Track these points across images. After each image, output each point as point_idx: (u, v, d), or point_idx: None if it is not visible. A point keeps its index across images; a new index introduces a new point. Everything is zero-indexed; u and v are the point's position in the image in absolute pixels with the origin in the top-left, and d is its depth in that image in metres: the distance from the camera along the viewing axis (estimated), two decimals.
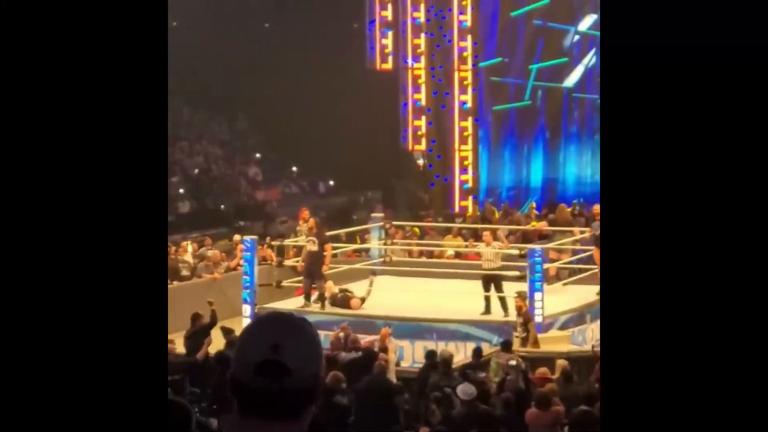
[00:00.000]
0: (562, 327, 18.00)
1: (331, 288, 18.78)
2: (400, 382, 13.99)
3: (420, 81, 29.69)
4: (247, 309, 18.51)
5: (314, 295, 18.51)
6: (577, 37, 29.32)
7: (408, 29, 29.51)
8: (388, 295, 19.25)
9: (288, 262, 20.12)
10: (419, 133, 29.74)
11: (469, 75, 29.44)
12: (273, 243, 21.42)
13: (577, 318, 18.30)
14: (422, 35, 29.53)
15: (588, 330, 17.92)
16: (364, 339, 16.09)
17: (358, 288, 19.24)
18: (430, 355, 14.93)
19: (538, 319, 17.42)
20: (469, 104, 29.50)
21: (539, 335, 17.17)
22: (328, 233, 19.76)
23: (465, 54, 29.41)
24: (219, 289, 19.33)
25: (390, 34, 29.65)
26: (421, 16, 29.47)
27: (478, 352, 15.44)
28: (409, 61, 29.60)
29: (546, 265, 18.56)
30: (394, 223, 23.25)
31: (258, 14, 32.49)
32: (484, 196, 29.32)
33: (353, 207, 30.50)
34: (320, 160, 30.75)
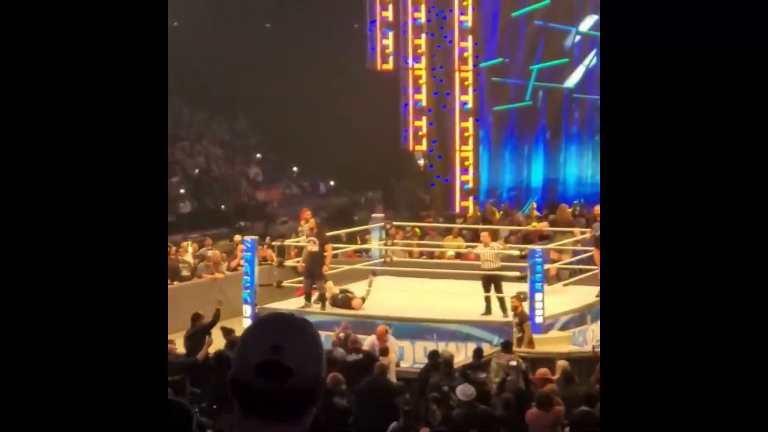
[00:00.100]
0: (563, 328, 18.01)
1: (332, 288, 18.77)
2: (401, 383, 13.99)
3: (421, 81, 29.69)
4: (247, 309, 18.51)
5: (315, 296, 18.51)
6: (578, 37, 29.32)
7: (409, 29, 29.51)
8: (389, 296, 19.24)
9: (288, 263, 20.11)
10: (420, 133, 29.74)
11: (469, 75, 29.45)
12: (273, 243, 21.42)
13: (578, 319, 18.30)
14: (423, 35, 29.53)
15: (588, 331, 17.92)
16: (365, 340, 16.08)
17: (358, 288, 19.23)
18: (433, 355, 14.92)
19: (538, 319, 17.42)
20: (470, 105, 29.50)
21: (540, 336, 17.17)
22: (329, 233, 19.75)
23: (466, 54, 29.41)
24: (219, 289, 19.33)
25: (391, 34, 29.65)
26: (422, 16, 29.47)
27: (478, 352, 15.44)
28: (410, 61, 29.61)
29: (546, 266, 18.55)
30: (395, 223, 23.24)
31: (259, 14, 32.49)
32: (485, 196, 29.32)
33: (354, 207, 30.49)
34: (321, 160, 30.75)
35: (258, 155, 33.21)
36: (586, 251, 20.00)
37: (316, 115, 29.32)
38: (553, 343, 17.13)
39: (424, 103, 29.65)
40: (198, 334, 15.48)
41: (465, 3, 29.30)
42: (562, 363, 14.39)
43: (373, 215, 23.72)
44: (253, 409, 2.30)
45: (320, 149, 29.71)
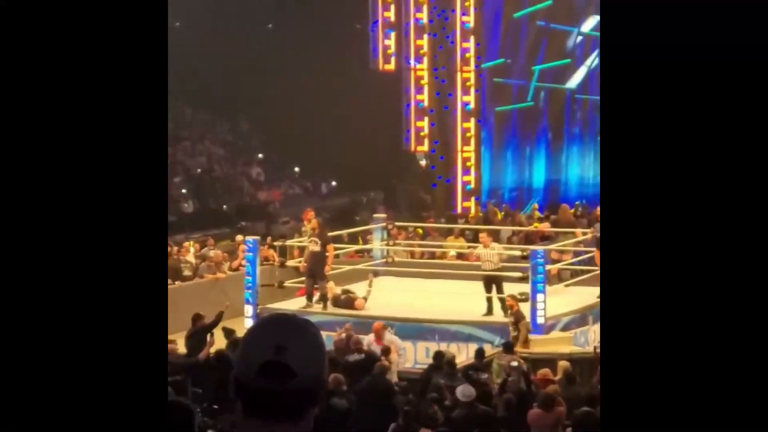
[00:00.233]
0: (565, 328, 18.01)
1: (333, 289, 18.78)
2: (404, 382, 13.99)
3: (423, 82, 29.69)
4: (249, 309, 18.51)
5: (316, 296, 18.51)
6: (579, 38, 29.32)
7: (411, 30, 29.51)
8: (390, 296, 19.25)
9: (290, 263, 20.11)
10: (422, 134, 29.74)
11: (471, 76, 29.44)
12: (275, 243, 21.42)
13: (580, 319, 18.30)
14: (425, 36, 29.53)
15: (590, 331, 17.92)
16: (365, 339, 16.08)
17: (359, 289, 19.24)
18: (438, 355, 14.91)
19: (540, 320, 17.43)
20: (472, 105, 29.50)
21: (542, 336, 17.17)
22: (331, 234, 19.75)
23: (468, 55, 29.41)
24: (221, 289, 19.34)
25: (393, 34, 29.65)
26: (424, 16, 29.47)
27: (480, 353, 15.44)
28: (412, 62, 29.60)
29: (547, 266, 18.56)
30: (397, 223, 23.24)
31: (261, 15, 32.50)
32: (487, 197, 29.33)
33: (355, 208, 30.50)
34: (322, 160, 30.75)
35: (260, 155, 33.23)
36: (587, 252, 20.00)
37: (317, 115, 29.32)
38: (554, 343, 17.13)
39: (426, 103, 29.64)
40: (199, 334, 15.48)
41: (467, 3, 29.30)
42: (563, 363, 14.40)
43: (375, 215, 23.73)
44: (255, 409, 2.30)
45: (322, 149, 29.71)
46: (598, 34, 26.20)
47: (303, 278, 18.98)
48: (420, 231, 24.28)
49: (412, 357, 17.21)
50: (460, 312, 18.15)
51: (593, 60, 28.77)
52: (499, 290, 17.94)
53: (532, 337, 17.11)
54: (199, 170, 31.52)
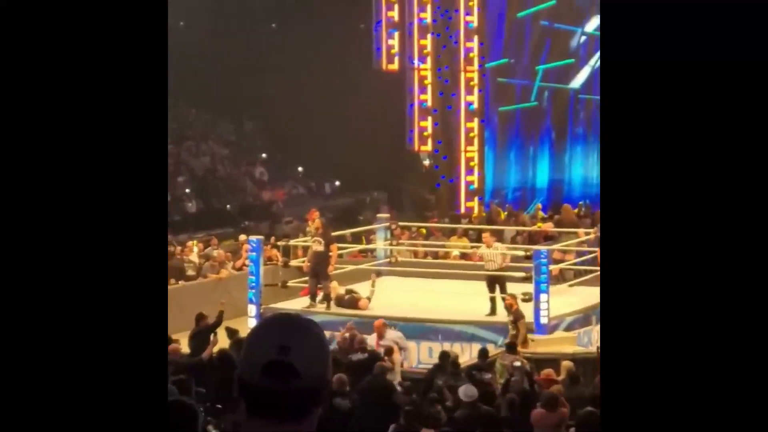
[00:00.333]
0: (568, 328, 18.00)
1: (337, 288, 18.78)
2: (407, 383, 13.98)
3: (426, 82, 29.69)
4: (252, 309, 18.51)
5: (320, 296, 18.52)
6: (583, 38, 29.30)
7: (414, 30, 29.51)
8: (394, 296, 19.25)
9: (293, 263, 20.12)
10: (425, 133, 29.74)
11: (475, 76, 29.45)
12: (278, 243, 21.43)
13: (583, 319, 18.29)
14: (429, 36, 29.53)
15: (594, 331, 17.90)
16: (370, 339, 16.09)
17: (362, 288, 19.24)
18: (443, 356, 14.90)
19: (543, 320, 17.42)
20: (476, 105, 29.50)
21: (545, 336, 17.16)
22: (334, 233, 19.75)
23: (471, 55, 29.41)
24: (224, 289, 19.35)
25: (396, 34, 29.65)
26: (428, 16, 29.47)
27: (483, 353, 15.43)
28: (416, 61, 29.61)
29: (549, 266, 18.56)
30: (400, 223, 23.25)
31: (264, 15, 32.50)
32: (490, 197, 29.33)
33: (359, 207, 30.50)
34: (326, 160, 30.75)
35: (263, 155, 33.23)
36: (590, 252, 20.00)
37: (321, 115, 29.32)
38: (558, 343, 17.12)
39: (429, 103, 29.64)
40: (202, 334, 15.50)
41: (471, 3, 29.30)
42: (566, 364, 14.39)
43: (378, 215, 23.72)
44: (259, 409, 2.31)
45: (325, 149, 29.72)
46: None
47: (306, 278, 18.99)
48: (423, 231, 24.28)
49: (415, 357, 17.20)
50: (464, 312, 18.15)
51: (597, 60, 28.73)
52: (503, 290, 17.93)
53: (535, 337, 17.10)
54: (202, 170, 31.54)
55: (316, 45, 29.41)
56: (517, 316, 16.76)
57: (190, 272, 20.91)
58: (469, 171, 29.59)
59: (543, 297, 17.55)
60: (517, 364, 14.43)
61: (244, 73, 30.42)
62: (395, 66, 29.86)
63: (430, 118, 29.67)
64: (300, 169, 33.00)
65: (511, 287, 18.02)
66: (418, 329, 17.56)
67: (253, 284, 18.74)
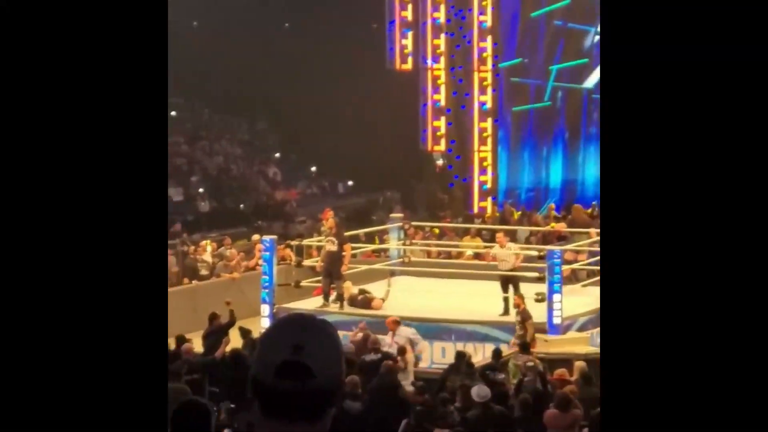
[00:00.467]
0: (581, 329, 17.97)
1: (350, 288, 18.78)
2: (420, 382, 13.97)
3: (440, 81, 29.67)
4: (265, 309, 18.53)
5: (333, 295, 18.52)
6: (597, 38, 29.23)
7: (428, 29, 29.49)
8: (407, 296, 19.24)
9: (307, 262, 20.12)
10: (438, 133, 29.72)
11: (489, 75, 29.42)
12: (292, 243, 21.43)
13: (596, 320, 18.21)
14: (442, 35, 29.50)
15: None
16: (384, 340, 16.08)
17: (376, 288, 19.24)
18: (460, 356, 14.87)
19: (556, 320, 17.40)
20: (489, 105, 29.47)
21: (558, 337, 17.14)
22: (348, 233, 19.75)
23: (485, 54, 29.38)
24: (238, 288, 19.36)
25: (410, 34, 29.64)
26: (442, 16, 29.45)
27: (497, 353, 15.42)
28: (429, 61, 29.59)
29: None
30: (413, 223, 23.23)
31: (278, 15, 32.54)
32: (503, 197, 29.29)
33: (372, 207, 30.50)
34: (339, 160, 30.77)
35: (277, 155, 33.27)
36: None
37: (334, 115, 29.33)
38: (571, 344, 17.10)
39: (442, 103, 29.62)
40: (215, 333, 15.52)
41: (484, 3, 29.27)
42: (580, 364, 14.37)
43: (392, 215, 23.71)
44: (273, 409, 2.31)
45: (338, 149, 29.73)
46: None
47: (320, 278, 18.99)
48: (436, 231, 24.27)
49: (428, 357, 17.19)
50: (477, 312, 18.13)
51: None
52: (516, 290, 17.91)
53: (548, 337, 17.08)
54: (216, 170, 31.59)
55: (330, 45, 29.43)
56: (524, 317, 16.73)
57: (204, 272, 20.94)
58: (483, 171, 29.56)
59: (556, 297, 17.53)
60: (530, 364, 14.41)
61: (258, 72, 30.46)
62: (409, 66, 29.85)
63: (443, 118, 29.65)
64: (313, 168, 33.02)
65: (525, 287, 18.00)
66: (431, 329, 17.55)
67: (267, 284, 18.76)
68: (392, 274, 20.35)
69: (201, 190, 30.19)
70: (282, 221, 28.88)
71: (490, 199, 29.50)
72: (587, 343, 17.33)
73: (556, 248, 18.91)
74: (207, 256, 21.44)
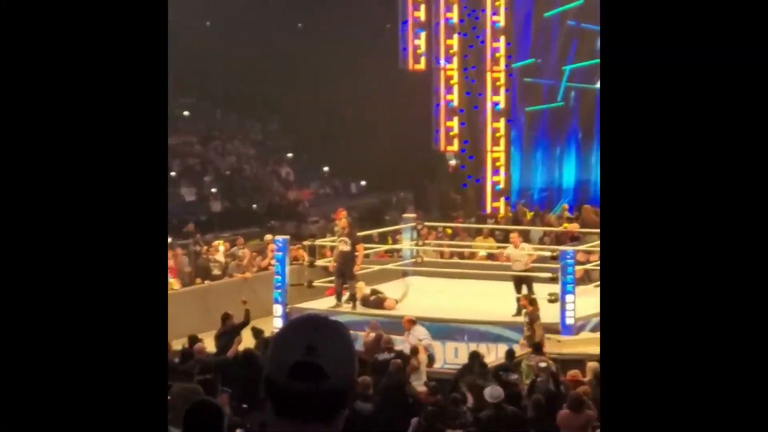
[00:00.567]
0: (594, 329, 17.91)
1: (363, 288, 18.77)
2: (433, 383, 13.96)
3: (453, 82, 29.65)
4: (278, 309, 18.54)
5: (345, 296, 18.52)
6: None
7: (441, 30, 29.47)
8: (420, 296, 19.23)
9: (319, 262, 20.13)
10: (451, 133, 29.70)
11: (502, 76, 29.38)
12: (304, 243, 21.44)
13: None
14: (455, 36, 29.48)
15: None
16: (397, 340, 16.06)
17: (390, 289, 19.23)
18: (474, 356, 14.85)
19: (569, 321, 17.36)
20: (502, 105, 29.44)
21: (571, 337, 17.10)
22: (360, 233, 19.75)
23: (498, 55, 29.35)
24: (250, 288, 19.38)
25: (423, 34, 29.62)
26: (455, 16, 29.43)
27: (510, 353, 15.39)
28: (442, 61, 29.57)
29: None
30: (426, 223, 23.22)
31: (290, 15, 32.57)
32: (516, 197, 29.27)
33: (385, 207, 30.51)
34: (352, 160, 30.78)
35: (289, 155, 33.29)
36: None
37: (347, 115, 29.34)
38: (584, 344, 17.04)
39: (455, 103, 29.60)
40: (228, 333, 15.53)
41: (497, 3, 29.24)
42: (593, 365, 14.31)
43: (404, 215, 23.71)
44: (286, 409, 2.30)
45: (351, 149, 29.75)
46: None
47: (332, 278, 18.99)
48: (449, 231, 24.25)
49: (441, 357, 17.17)
50: (490, 312, 18.11)
51: None
52: (530, 291, 17.89)
53: (561, 338, 17.04)
54: (229, 170, 31.63)
55: (343, 45, 29.44)
56: (532, 318, 16.70)
57: (216, 272, 20.96)
58: (496, 171, 29.53)
59: (569, 298, 17.50)
60: (543, 365, 14.38)
61: (271, 73, 30.49)
62: (422, 66, 29.83)
63: (456, 118, 29.63)
64: (326, 168, 33.03)
65: (538, 288, 17.97)
66: (443, 329, 17.53)
67: (279, 284, 18.77)
68: (404, 274, 20.33)
69: (214, 190, 30.23)
70: (295, 221, 28.90)
71: (503, 199, 29.46)
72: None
73: (569, 249, 18.87)
74: (219, 256, 21.46)
